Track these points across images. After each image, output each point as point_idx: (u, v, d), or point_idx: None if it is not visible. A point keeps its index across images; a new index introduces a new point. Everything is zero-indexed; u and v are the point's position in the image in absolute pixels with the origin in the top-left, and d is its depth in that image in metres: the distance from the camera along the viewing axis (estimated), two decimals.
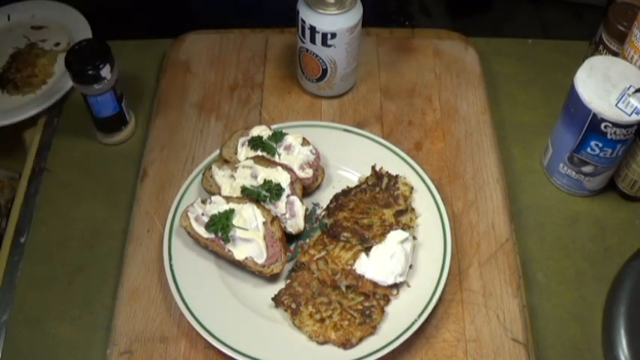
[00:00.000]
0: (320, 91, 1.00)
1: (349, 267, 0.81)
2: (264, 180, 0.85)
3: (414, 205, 0.88)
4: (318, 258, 0.82)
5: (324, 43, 0.93)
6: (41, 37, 1.12)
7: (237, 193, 0.86)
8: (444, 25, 1.13)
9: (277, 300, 0.80)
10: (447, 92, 1.03)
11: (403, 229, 0.84)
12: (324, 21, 0.91)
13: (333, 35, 0.92)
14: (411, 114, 1.00)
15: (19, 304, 0.85)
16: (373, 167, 0.91)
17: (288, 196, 0.85)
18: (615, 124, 0.82)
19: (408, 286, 0.82)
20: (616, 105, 0.82)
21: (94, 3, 1.13)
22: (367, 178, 0.90)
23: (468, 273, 0.85)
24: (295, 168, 0.88)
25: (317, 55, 0.95)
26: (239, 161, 0.89)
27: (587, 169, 0.90)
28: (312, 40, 0.93)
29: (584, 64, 0.87)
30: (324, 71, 0.97)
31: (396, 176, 0.89)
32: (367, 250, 0.82)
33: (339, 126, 0.95)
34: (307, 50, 0.95)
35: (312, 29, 0.92)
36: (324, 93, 1.01)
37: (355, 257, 0.82)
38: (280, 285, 0.82)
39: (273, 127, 0.93)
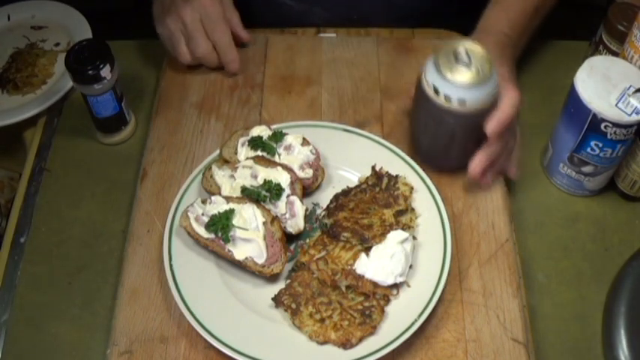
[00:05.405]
0: None
1: (349, 267, 0.81)
2: (264, 180, 0.85)
3: (414, 205, 0.88)
4: (318, 258, 0.82)
5: None
6: (41, 37, 1.12)
7: (237, 193, 0.86)
8: (444, 25, 1.13)
9: (277, 300, 0.80)
10: None
11: (403, 229, 0.84)
12: None
13: None
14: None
15: (19, 304, 0.85)
16: (373, 167, 0.91)
17: (288, 196, 0.85)
18: (615, 124, 0.82)
19: (408, 286, 0.82)
20: (616, 105, 0.82)
21: (94, 3, 1.13)
22: (367, 178, 0.90)
23: (468, 273, 0.85)
24: (295, 168, 0.88)
25: None
26: (239, 161, 0.89)
27: (587, 169, 0.90)
28: None
29: (584, 64, 0.87)
30: None
31: (396, 176, 0.89)
32: (367, 250, 0.82)
33: (339, 126, 0.95)
34: None
35: None
36: None
37: (355, 257, 0.82)
38: (280, 285, 0.82)
39: (273, 127, 0.93)
